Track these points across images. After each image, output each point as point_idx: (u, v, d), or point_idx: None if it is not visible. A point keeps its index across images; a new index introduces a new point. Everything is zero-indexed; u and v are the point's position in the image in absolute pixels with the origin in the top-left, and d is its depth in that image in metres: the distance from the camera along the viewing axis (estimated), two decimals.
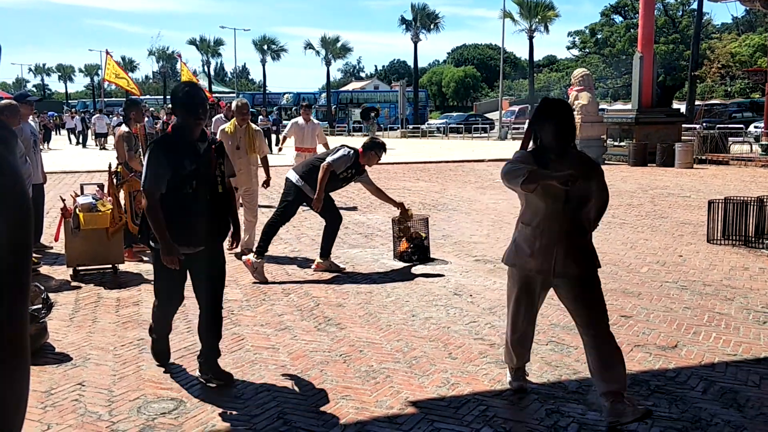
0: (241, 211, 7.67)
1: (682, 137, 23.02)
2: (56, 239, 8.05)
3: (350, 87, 79.59)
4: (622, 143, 22.45)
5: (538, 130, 3.97)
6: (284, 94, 59.65)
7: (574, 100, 22.65)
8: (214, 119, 13.88)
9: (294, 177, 7.62)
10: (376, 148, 7.67)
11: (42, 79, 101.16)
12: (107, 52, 34.35)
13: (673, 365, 4.86)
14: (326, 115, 53.94)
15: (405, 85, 51.55)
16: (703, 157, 21.75)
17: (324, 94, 58.12)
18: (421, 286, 7.03)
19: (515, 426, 3.94)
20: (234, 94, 51.75)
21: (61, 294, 6.76)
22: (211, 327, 4.64)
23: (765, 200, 8.97)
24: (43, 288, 5.35)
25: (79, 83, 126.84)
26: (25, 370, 1.62)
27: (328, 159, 7.46)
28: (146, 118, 19.14)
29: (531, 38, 45.81)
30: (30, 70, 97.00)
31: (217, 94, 41.00)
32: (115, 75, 31.65)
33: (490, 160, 23.52)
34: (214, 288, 4.60)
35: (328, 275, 7.49)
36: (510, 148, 30.21)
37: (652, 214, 11.66)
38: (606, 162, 21.94)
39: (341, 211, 8.25)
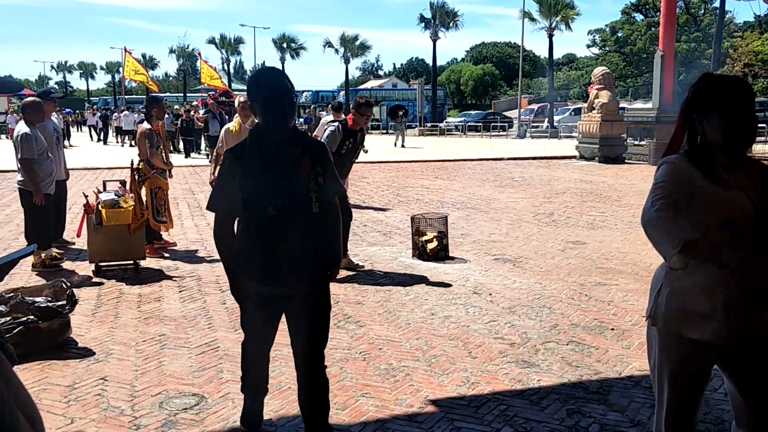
0: None
1: None
2: (78, 235, 8.13)
3: (368, 85, 79.61)
4: (643, 142, 22.26)
5: (700, 121, 2.66)
6: (303, 92, 59.71)
7: (594, 99, 22.50)
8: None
9: None
10: (360, 107, 7.38)
11: (64, 77, 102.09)
12: (126, 50, 34.65)
13: None
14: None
15: (423, 83, 51.45)
16: None
17: (342, 93, 58.14)
18: (440, 284, 7.02)
19: (536, 426, 3.93)
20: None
21: (84, 289, 6.82)
22: (314, 395, 3.54)
23: None
24: (68, 284, 5.40)
25: (101, 80, 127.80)
26: None
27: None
28: (166, 116, 19.22)
29: (551, 36, 45.51)
30: (52, 67, 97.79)
31: (237, 92, 41.12)
32: (135, 71, 31.89)
33: (508, 159, 23.43)
34: (311, 342, 3.50)
35: (347, 273, 7.50)
36: (529, 146, 30.10)
37: None
38: (626, 161, 21.79)
39: (360, 210, 8.24)
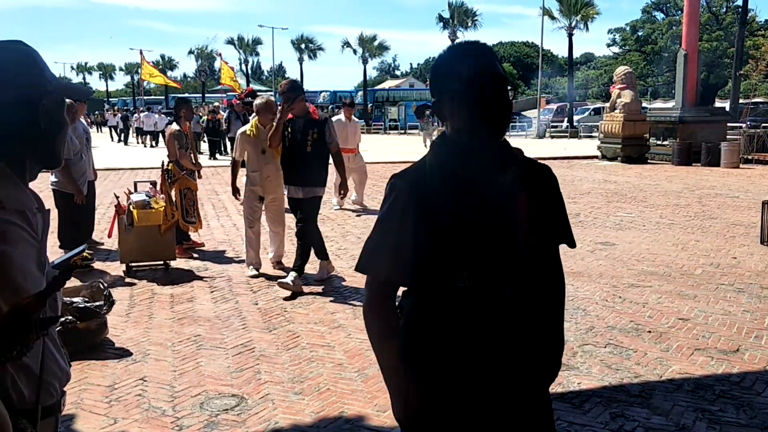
0: (263, 223, 7.71)
1: (727, 136, 22.57)
2: (110, 235, 8.18)
3: (386, 85, 79.57)
4: (666, 142, 22.07)
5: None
6: (321, 92, 59.87)
7: (617, 98, 22.35)
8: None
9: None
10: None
11: (83, 78, 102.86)
12: (140, 52, 34.93)
13: (737, 369, 4.75)
14: (362, 114, 54.02)
15: None
16: (750, 157, 21.27)
17: (360, 93, 58.19)
18: None
19: (580, 429, 3.89)
20: (271, 93, 52.12)
21: (116, 290, 6.85)
22: None
23: None
24: (106, 285, 5.44)
25: (120, 81, 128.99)
26: None
27: (335, 140, 7.07)
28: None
29: (571, 36, 45.28)
30: (72, 68, 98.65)
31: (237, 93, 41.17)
32: (150, 74, 32.17)
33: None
34: None
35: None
36: (549, 146, 29.94)
37: (701, 214, 11.44)
38: (649, 161, 21.62)
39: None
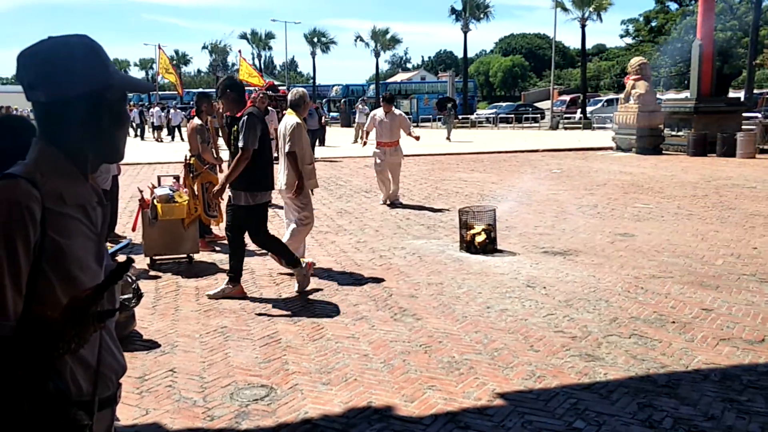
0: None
1: (743, 126, 22.41)
2: (134, 229, 8.25)
3: (397, 78, 79.44)
4: (680, 133, 21.95)
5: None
6: (333, 86, 59.89)
7: (631, 89, 22.25)
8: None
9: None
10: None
11: None
12: (159, 47, 35.02)
13: (764, 360, 4.76)
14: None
15: (454, 76, 51.22)
16: (765, 147, 21.14)
17: (372, 86, 58.13)
18: (492, 277, 7.02)
19: (609, 420, 3.91)
20: (284, 87, 52.19)
21: (141, 282, 6.90)
22: None
23: None
24: (135, 278, 5.49)
25: (134, 76, 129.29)
26: None
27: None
28: None
29: (583, 27, 45.03)
30: None
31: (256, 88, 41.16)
32: (165, 70, 32.31)
33: (544, 150, 23.26)
34: None
35: (397, 267, 7.52)
36: (562, 137, 29.85)
37: (719, 205, 11.39)
38: (664, 152, 21.51)
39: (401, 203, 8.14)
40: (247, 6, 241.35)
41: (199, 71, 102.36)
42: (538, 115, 46.46)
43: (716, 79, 24.79)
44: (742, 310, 5.83)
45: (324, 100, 54.07)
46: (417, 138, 12.61)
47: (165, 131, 35.26)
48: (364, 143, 13.26)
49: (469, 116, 46.97)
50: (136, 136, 37.12)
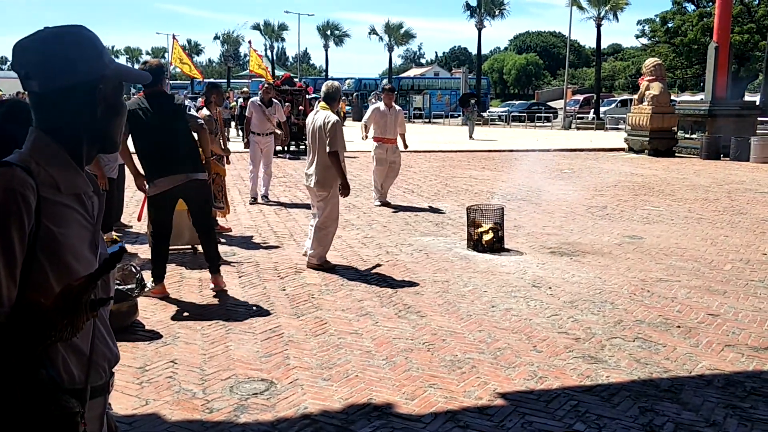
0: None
1: (758, 131, 22.23)
2: (139, 219, 8.25)
3: (410, 73, 79.31)
4: (694, 135, 21.79)
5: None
6: (346, 79, 59.82)
7: (645, 91, 22.10)
8: (250, 101, 11.77)
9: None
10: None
11: None
12: (174, 37, 35.07)
13: None
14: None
15: (467, 72, 51.07)
16: None
17: (385, 80, 58.05)
18: (498, 276, 6.98)
19: (609, 423, 3.88)
20: (296, 79, 52.20)
21: (145, 272, 6.90)
22: None
23: None
24: (138, 269, 5.50)
25: (130, 66, 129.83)
26: None
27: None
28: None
29: (599, 26, 44.78)
30: None
31: (274, 80, 41.06)
32: (180, 60, 32.37)
33: (555, 150, 23.15)
34: None
35: (403, 264, 7.50)
36: (575, 137, 29.70)
37: (730, 209, 11.30)
38: (677, 154, 21.36)
39: (409, 200, 8.10)
40: None
41: (210, 61, 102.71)
42: (551, 115, 46.27)
43: (732, 82, 24.56)
44: (748, 317, 5.78)
45: None
46: (405, 147, 11.78)
47: None
48: (364, 137, 12.02)
49: (482, 114, 46.84)
50: None
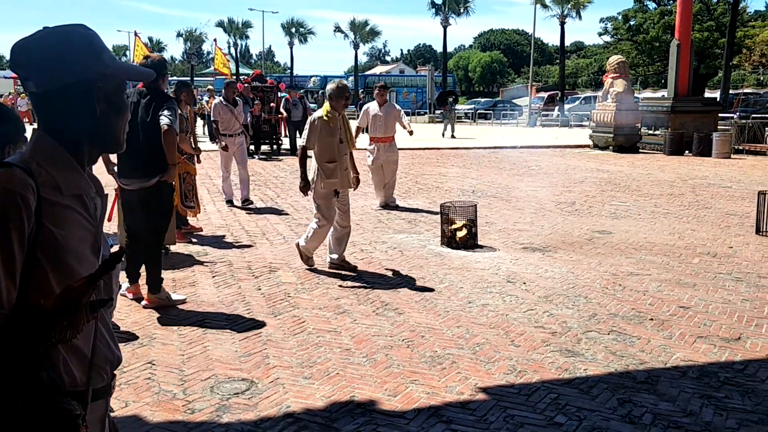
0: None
1: (719, 127, 22.69)
2: (109, 219, 8.12)
3: (376, 71, 79.37)
4: (657, 132, 22.16)
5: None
6: (311, 77, 59.60)
7: (609, 88, 22.41)
8: (214, 102, 11.69)
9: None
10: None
11: None
12: (136, 34, 34.59)
13: (740, 357, 4.82)
14: (354, 100, 53.82)
15: (433, 70, 51.21)
16: (740, 147, 21.42)
17: (351, 78, 57.97)
18: (473, 272, 7.03)
19: (589, 415, 3.94)
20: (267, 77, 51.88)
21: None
22: None
23: None
24: None
25: (133, 64, 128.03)
26: None
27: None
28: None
29: (563, 24, 45.27)
30: None
31: (243, 77, 40.77)
32: (143, 57, 31.86)
33: (522, 147, 23.36)
34: None
35: (378, 261, 7.51)
36: (540, 135, 30.00)
37: (695, 204, 11.52)
38: (640, 150, 21.71)
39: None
40: None
41: (173, 59, 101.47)
42: (516, 112, 46.65)
43: (693, 79, 25.02)
44: (718, 308, 5.91)
45: (301, 91, 53.78)
46: (411, 132, 11.46)
47: None
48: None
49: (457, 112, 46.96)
50: None
